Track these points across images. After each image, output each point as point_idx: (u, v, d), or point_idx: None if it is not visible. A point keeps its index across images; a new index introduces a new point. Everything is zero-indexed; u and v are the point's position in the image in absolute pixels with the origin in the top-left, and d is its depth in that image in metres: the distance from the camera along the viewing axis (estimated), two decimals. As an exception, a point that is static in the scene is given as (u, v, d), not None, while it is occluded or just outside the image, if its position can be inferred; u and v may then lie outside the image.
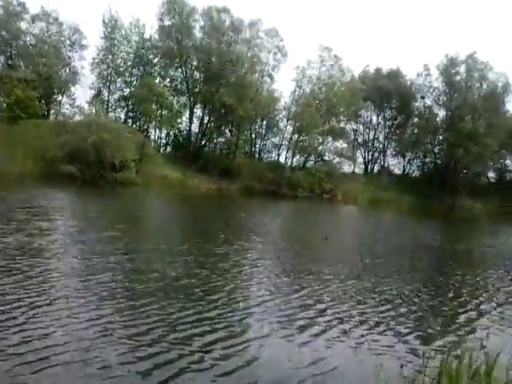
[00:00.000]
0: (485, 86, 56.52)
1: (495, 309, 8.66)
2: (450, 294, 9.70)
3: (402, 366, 5.02)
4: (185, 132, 52.43)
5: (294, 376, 4.91)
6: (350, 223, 30.53)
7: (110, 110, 49.00)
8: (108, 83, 49.15)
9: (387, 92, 58.10)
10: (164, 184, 39.98)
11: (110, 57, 48.79)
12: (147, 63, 50.74)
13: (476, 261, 15.67)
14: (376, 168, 61.84)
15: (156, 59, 51.36)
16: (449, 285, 10.70)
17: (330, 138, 54.70)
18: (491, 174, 61.81)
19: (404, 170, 61.75)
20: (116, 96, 50.17)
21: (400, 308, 8.05)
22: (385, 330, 6.78)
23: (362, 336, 6.40)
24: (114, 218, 17.24)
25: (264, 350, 5.56)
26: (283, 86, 71.76)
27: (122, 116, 49.87)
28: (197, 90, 51.50)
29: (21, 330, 5.39)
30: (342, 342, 6.10)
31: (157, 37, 50.38)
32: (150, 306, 6.81)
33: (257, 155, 55.66)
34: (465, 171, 57.14)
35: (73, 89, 48.34)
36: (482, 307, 8.71)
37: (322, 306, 7.70)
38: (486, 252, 17.79)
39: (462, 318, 7.83)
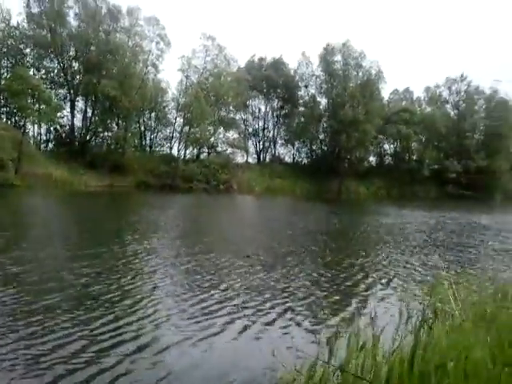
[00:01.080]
0: (360, 74, 59.71)
1: (384, 286, 8.88)
2: (343, 275, 9.61)
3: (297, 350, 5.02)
4: (67, 127, 48.70)
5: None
6: (249, 211, 30.38)
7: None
8: (-26, 76, 43.91)
9: (273, 82, 59.27)
10: (48, 184, 36.62)
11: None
12: (18, 53, 46.14)
13: (370, 240, 16.05)
14: (268, 157, 62.77)
15: (28, 49, 46.92)
16: (342, 266, 10.60)
17: (221, 129, 54.46)
18: (372, 159, 65.90)
19: (294, 158, 63.56)
20: (-16, 90, 44.86)
21: (296, 294, 7.91)
22: (280, 317, 6.59)
23: (259, 325, 6.19)
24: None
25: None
26: (169, 76, 69.76)
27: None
28: (76, 81, 48.06)
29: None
30: (240, 334, 5.84)
31: (25, 25, 46.06)
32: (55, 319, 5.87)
33: (148, 149, 53.51)
34: (348, 157, 60.13)
35: None
36: (372, 286, 8.82)
37: (218, 298, 7.30)
38: (377, 231, 18.33)
39: (353, 297, 7.96)
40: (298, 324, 6.27)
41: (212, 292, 7.57)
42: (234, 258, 10.65)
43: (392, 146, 65.58)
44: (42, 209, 23.09)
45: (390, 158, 66.02)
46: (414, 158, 63.43)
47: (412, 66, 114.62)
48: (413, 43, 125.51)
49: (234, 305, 6.92)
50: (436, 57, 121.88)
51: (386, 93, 65.73)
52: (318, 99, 61.52)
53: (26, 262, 8.93)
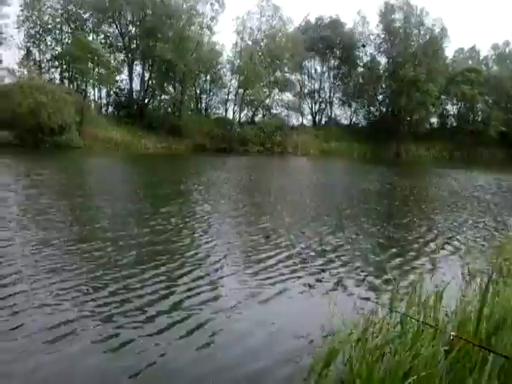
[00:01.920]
0: (423, 32, 56.90)
1: (450, 245, 8.67)
2: (408, 235, 9.51)
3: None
4: (126, 91, 49.71)
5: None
6: (307, 174, 30.20)
7: (43, 70, 45.39)
8: (38, 42, 45.40)
9: (330, 41, 57.42)
10: (109, 146, 37.91)
11: (36, 13, 44.94)
12: (78, 19, 47.20)
13: (436, 201, 15.58)
14: (324, 119, 61.51)
15: (87, 14, 47.80)
16: (408, 227, 10.56)
17: (276, 91, 53.72)
18: (434, 120, 63.13)
19: (351, 121, 62.01)
20: (48, 56, 46.45)
21: (360, 254, 7.85)
22: (339, 273, 6.63)
23: (319, 282, 6.10)
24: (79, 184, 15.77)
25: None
26: (224, 38, 69.30)
27: (57, 76, 46.35)
28: (134, 45, 48.73)
29: None
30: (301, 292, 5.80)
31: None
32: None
33: (204, 111, 53.81)
34: (408, 118, 57.97)
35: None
36: (438, 246, 8.55)
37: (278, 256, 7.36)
38: (443, 193, 17.90)
39: (419, 256, 7.87)
40: (361, 280, 6.28)
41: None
42: (300, 217, 10.76)
43: (455, 107, 62.47)
44: (109, 169, 24.18)
45: (452, 120, 63.01)
46: (479, 119, 60.10)
47: (479, 23, 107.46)
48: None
49: (300, 262, 6.83)
50: (506, 11, 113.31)
51: (450, 51, 62.40)
52: (377, 59, 59.35)
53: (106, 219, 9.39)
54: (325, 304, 4.27)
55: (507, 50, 64.47)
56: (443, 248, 8.39)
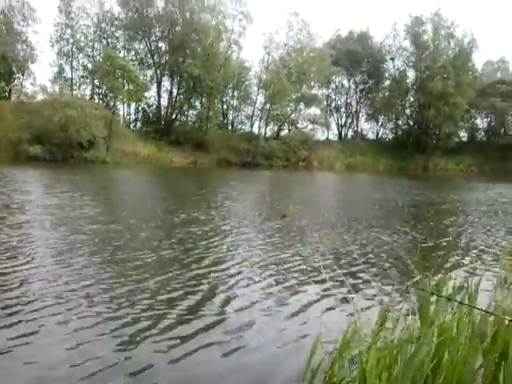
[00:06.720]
0: (452, 44, 56.27)
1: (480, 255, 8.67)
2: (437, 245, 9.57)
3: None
4: (154, 106, 50.88)
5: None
6: (332, 186, 30.29)
7: (74, 87, 47.10)
8: (70, 59, 47.08)
9: (357, 55, 57.42)
10: (136, 160, 38.89)
11: (69, 32, 46.66)
12: (110, 36, 48.74)
13: (456, 212, 15.61)
14: (350, 133, 61.50)
15: (119, 32, 49.31)
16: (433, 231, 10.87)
17: (302, 106, 53.99)
18: (463, 134, 62.21)
19: (377, 134, 61.78)
20: (80, 72, 48.15)
21: (381, 258, 7.98)
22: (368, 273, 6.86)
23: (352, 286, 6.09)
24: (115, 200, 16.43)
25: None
26: (251, 53, 70.27)
27: (88, 93, 48.06)
28: (163, 61, 49.85)
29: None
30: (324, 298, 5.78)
31: (118, 8, 48.44)
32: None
33: (230, 127, 54.54)
34: (437, 132, 57.35)
35: (32, 67, 45.84)
36: (465, 255, 8.65)
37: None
38: (466, 203, 17.95)
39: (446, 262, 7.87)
40: (382, 284, 6.42)
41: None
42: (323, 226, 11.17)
43: (485, 120, 61.39)
44: (139, 182, 24.96)
45: (482, 134, 61.94)
46: (510, 133, 58.85)
47: (507, 34, 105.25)
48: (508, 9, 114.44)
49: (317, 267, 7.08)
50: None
51: (479, 63, 61.47)
52: (405, 72, 58.91)
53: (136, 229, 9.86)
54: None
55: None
56: (475, 254, 8.57)
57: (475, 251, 8.89)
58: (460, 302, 3.25)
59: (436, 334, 3.06)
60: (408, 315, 3.80)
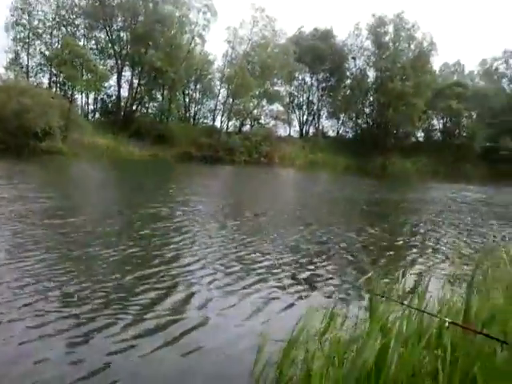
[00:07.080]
0: (412, 47, 57.57)
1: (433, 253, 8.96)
2: (391, 241, 9.92)
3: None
4: (114, 97, 49.73)
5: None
6: (292, 183, 30.56)
7: (30, 74, 45.33)
8: (26, 46, 45.36)
9: (320, 53, 57.85)
10: (94, 152, 37.73)
11: (26, 17, 44.97)
12: (69, 24, 47.27)
13: (417, 213, 16.01)
14: (311, 131, 62.07)
15: (79, 20, 47.90)
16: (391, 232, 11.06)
17: (265, 102, 54.06)
18: (419, 134, 63.88)
19: (338, 132, 62.61)
20: (37, 60, 46.42)
21: (340, 255, 8.12)
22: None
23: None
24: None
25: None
26: (215, 47, 69.70)
27: (45, 81, 46.19)
28: (124, 51, 48.77)
29: None
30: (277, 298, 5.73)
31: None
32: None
33: (192, 120, 53.99)
34: (395, 131, 58.64)
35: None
36: (421, 253, 8.89)
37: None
38: (426, 204, 18.34)
39: (401, 262, 8.11)
40: (338, 282, 6.47)
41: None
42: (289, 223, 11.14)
43: (441, 121, 63.18)
44: (100, 175, 24.36)
45: (438, 134, 63.76)
46: (464, 134, 60.84)
47: (464, 39, 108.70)
48: (466, 14, 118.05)
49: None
50: (491, 28, 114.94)
51: (436, 65, 63.23)
52: (366, 72, 59.97)
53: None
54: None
55: (494, 66, 65.33)
56: (428, 253, 8.80)
57: (429, 250, 9.16)
58: (407, 306, 3.34)
59: (382, 332, 3.07)
60: (358, 315, 3.90)
